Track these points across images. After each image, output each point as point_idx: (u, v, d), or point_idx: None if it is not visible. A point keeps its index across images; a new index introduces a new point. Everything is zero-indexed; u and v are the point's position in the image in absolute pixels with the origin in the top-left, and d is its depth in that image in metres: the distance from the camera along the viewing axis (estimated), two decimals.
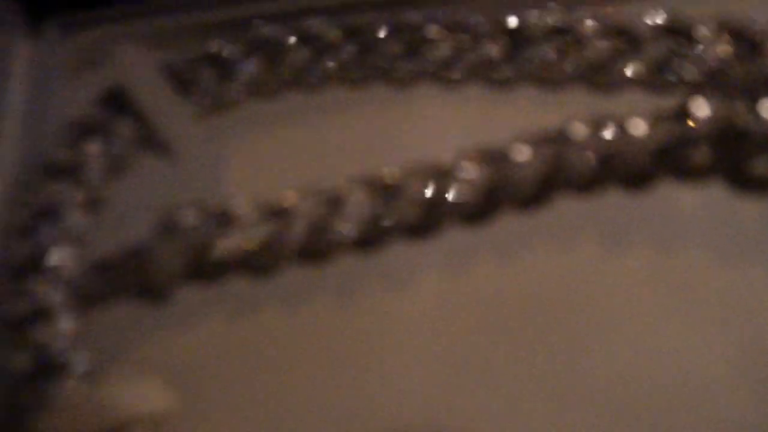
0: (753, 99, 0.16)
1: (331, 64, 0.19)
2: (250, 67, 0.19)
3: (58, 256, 0.17)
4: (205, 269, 0.17)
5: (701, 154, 0.16)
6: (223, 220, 0.16)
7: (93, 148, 0.18)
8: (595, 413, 0.14)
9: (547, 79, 0.18)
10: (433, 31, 0.18)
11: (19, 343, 0.16)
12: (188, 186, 0.18)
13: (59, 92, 0.20)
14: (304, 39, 0.19)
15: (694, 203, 0.16)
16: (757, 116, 0.15)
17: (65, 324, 0.16)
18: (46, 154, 0.18)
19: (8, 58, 0.20)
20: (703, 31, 0.17)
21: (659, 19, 0.17)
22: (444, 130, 0.18)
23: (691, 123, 0.16)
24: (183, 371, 0.16)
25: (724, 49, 0.17)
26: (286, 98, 0.19)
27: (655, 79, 0.17)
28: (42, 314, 0.16)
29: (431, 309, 0.15)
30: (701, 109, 0.16)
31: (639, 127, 0.16)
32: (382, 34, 0.19)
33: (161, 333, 0.16)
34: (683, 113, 0.16)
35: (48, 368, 0.15)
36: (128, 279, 0.17)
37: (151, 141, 0.19)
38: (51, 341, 0.16)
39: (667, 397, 0.14)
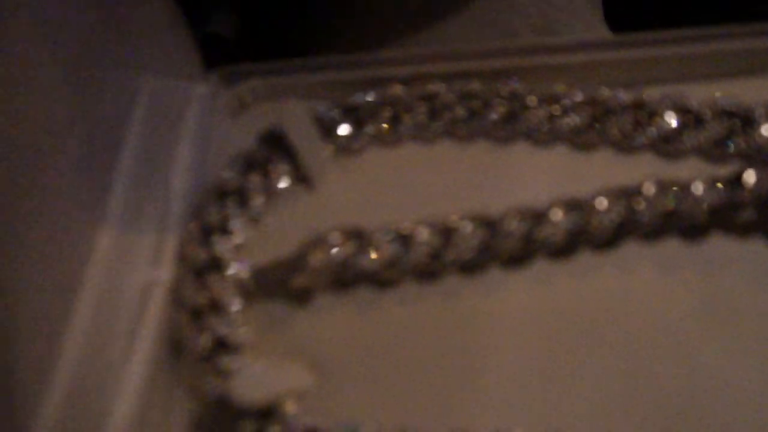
0: None
1: (443, 123, 0.23)
2: (381, 119, 0.24)
3: (228, 261, 0.22)
4: (343, 280, 0.21)
5: (748, 215, 0.20)
6: (359, 240, 0.21)
7: (255, 177, 0.23)
8: (647, 410, 0.18)
9: (623, 146, 0.22)
10: (531, 100, 0.23)
11: (200, 327, 0.21)
12: (327, 213, 0.22)
13: (221, 129, 0.25)
14: (424, 99, 0.23)
15: (739, 255, 0.20)
16: None
17: (234, 314, 0.21)
18: (218, 179, 0.23)
19: (186, 98, 0.25)
20: (757, 113, 0.21)
21: (720, 102, 0.21)
22: (535, 181, 0.22)
23: (742, 189, 0.20)
24: (321, 357, 0.20)
25: None
26: (407, 147, 0.24)
27: (713, 151, 0.21)
28: (217, 306, 0.21)
29: (521, 317, 0.20)
30: (751, 177, 0.20)
31: (698, 189, 0.20)
32: (489, 100, 0.23)
33: (306, 326, 0.21)
34: (736, 180, 0.20)
35: (221, 347, 0.20)
36: (283, 281, 0.21)
37: (298, 174, 0.23)
38: (223, 327, 0.20)
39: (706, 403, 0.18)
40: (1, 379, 0.16)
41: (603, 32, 0.28)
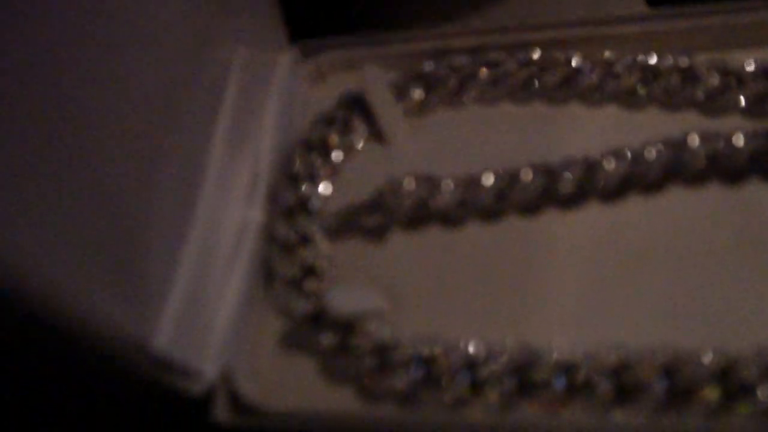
0: None
1: (504, 87, 0.26)
2: (448, 85, 0.26)
3: (314, 203, 0.25)
4: (415, 219, 0.24)
5: None
6: (430, 183, 0.23)
7: (336, 134, 0.26)
8: (692, 323, 0.20)
9: (670, 104, 0.24)
10: (583, 64, 0.25)
11: (290, 259, 0.24)
12: (401, 164, 0.25)
13: (303, 95, 0.28)
14: (490, 66, 0.26)
15: None
16: None
17: (321, 247, 0.24)
18: (304, 134, 0.26)
19: (273, 66, 0.28)
20: None
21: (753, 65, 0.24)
22: (589, 137, 0.25)
23: None
24: (396, 286, 0.23)
25: None
26: (472, 110, 0.26)
27: (753, 108, 0.24)
28: (305, 240, 0.24)
29: (579, 249, 0.22)
30: None
31: (739, 140, 0.22)
32: (545, 66, 0.26)
33: (382, 260, 0.24)
34: None
35: (309, 274, 0.23)
36: (364, 221, 0.24)
37: (375, 132, 0.26)
38: (312, 258, 0.23)
39: None
40: (133, 286, 0.19)
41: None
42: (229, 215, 0.24)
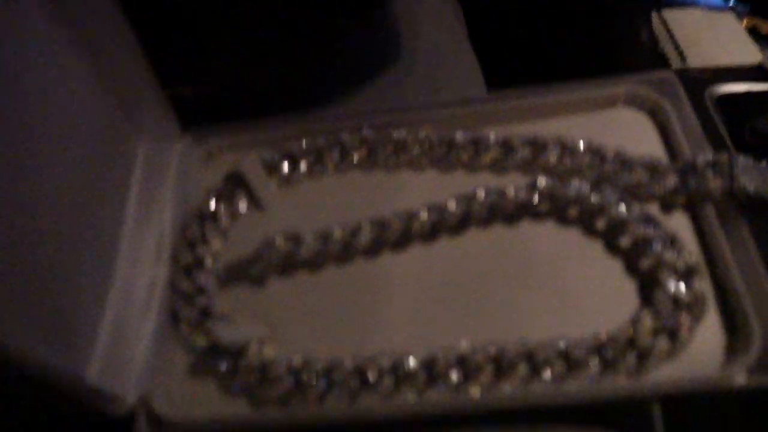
0: None
1: (352, 161, 0.34)
2: (309, 161, 0.34)
3: (207, 261, 0.32)
4: (289, 269, 0.31)
5: (544, 207, 0.31)
6: (294, 240, 0.31)
7: (223, 204, 0.33)
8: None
9: (470, 168, 0.33)
10: (412, 142, 0.34)
11: (190, 305, 0.30)
12: (274, 225, 0.33)
13: (196, 174, 0.35)
14: (338, 145, 0.34)
15: (531, 229, 0.31)
16: None
17: (214, 294, 0.31)
18: (198, 207, 0.33)
19: (170, 154, 0.35)
20: (550, 143, 0.32)
21: (521, 137, 0.33)
22: (414, 195, 0.33)
23: (537, 191, 0.30)
24: (274, 318, 0.30)
25: None
26: (329, 179, 0.34)
27: (524, 168, 0.33)
28: (201, 290, 0.31)
29: (405, 279, 0.30)
30: (542, 182, 0.31)
31: (511, 192, 0.31)
32: (385, 151, 0.34)
33: (263, 300, 0.31)
34: (533, 185, 0.31)
35: (206, 316, 0.30)
36: (248, 272, 0.31)
37: (253, 201, 0.34)
38: (207, 304, 0.30)
39: None
40: (66, 331, 0.26)
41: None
42: (141, 272, 0.31)
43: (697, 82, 0.51)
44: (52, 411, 0.26)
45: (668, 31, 0.54)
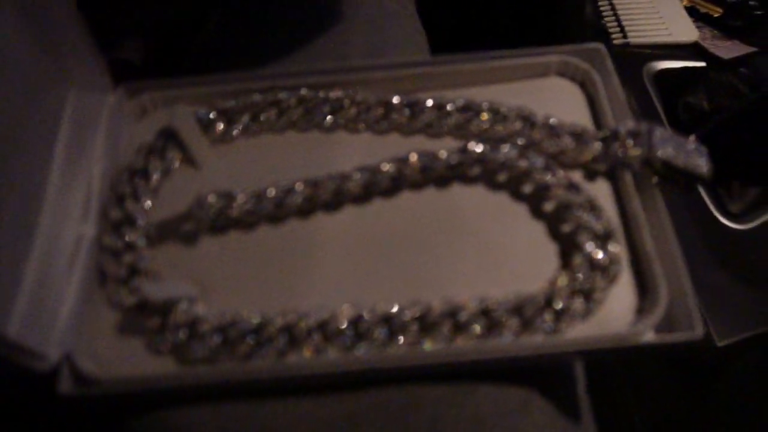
0: None
1: (288, 120, 0.34)
2: (244, 119, 0.34)
3: (137, 217, 0.31)
4: (221, 227, 0.31)
5: (474, 170, 0.31)
6: (226, 199, 0.31)
7: (155, 160, 0.33)
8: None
9: (404, 131, 0.33)
10: (346, 102, 0.34)
11: (118, 263, 0.30)
12: (207, 183, 0.32)
13: (128, 129, 0.35)
14: (275, 104, 0.34)
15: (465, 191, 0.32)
16: None
17: (143, 252, 0.30)
18: (129, 163, 0.32)
19: (100, 106, 0.34)
20: (483, 106, 0.33)
21: (457, 100, 0.33)
22: (348, 156, 0.33)
23: (468, 153, 0.31)
24: (203, 277, 0.30)
25: None
26: (263, 138, 0.34)
27: (460, 132, 0.33)
28: (130, 247, 0.30)
29: (336, 237, 0.31)
30: (475, 147, 0.31)
31: (443, 154, 0.31)
32: (318, 103, 0.34)
33: (193, 259, 0.31)
34: (464, 149, 0.31)
35: (134, 274, 0.30)
36: (178, 230, 0.31)
37: (186, 158, 0.33)
38: (137, 261, 0.30)
39: None
40: None
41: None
42: (67, 228, 0.30)
43: (636, 57, 0.53)
44: None
45: (611, 6, 0.55)
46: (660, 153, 0.29)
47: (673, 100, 0.49)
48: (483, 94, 0.34)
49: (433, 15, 0.49)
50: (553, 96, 0.34)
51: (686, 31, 0.52)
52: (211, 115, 0.34)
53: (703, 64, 0.50)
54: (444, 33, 0.50)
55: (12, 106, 0.28)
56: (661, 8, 0.55)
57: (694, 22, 0.53)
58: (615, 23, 0.54)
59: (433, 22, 0.48)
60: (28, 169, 0.29)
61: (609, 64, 0.35)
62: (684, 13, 0.54)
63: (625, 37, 0.52)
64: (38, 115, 0.30)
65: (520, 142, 0.32)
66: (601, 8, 0.55)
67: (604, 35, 0.53)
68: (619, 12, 0.54)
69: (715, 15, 0.54)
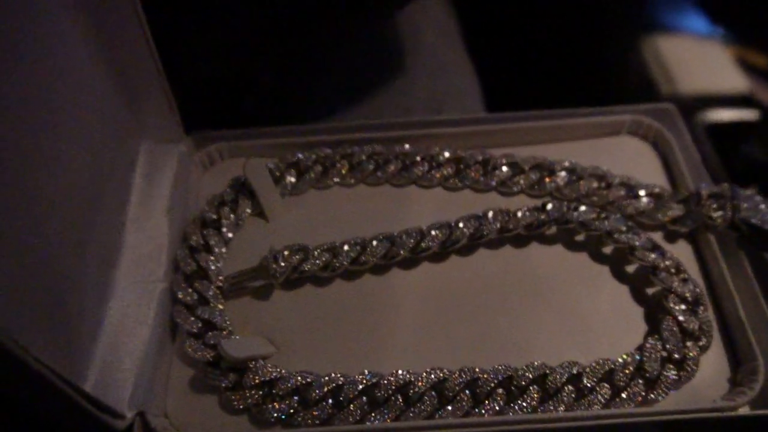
0: None
1: (360, 174, 0.34)
2: (315, 172, 0.34)
3: (209, 270, 0.31)
4: (291, 281, 0.31)
5: (551, 229, 0.31)
6: (301, 253, 0.30)
7: (226, 212, 0.32)
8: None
9: (477, 188, 0.33)
10: (416, 157, 0.33)
11: (191, 317, 0.29)
12: (278, 236, 0.32)
13: (197, 179, 0.34)
14: (346, 157, 0.34)
15: (544, 250, 0.31)
16: None
17: (217, 306, 0.30)
18: (200, 214, 0.32)
19: (171, 157, 0.34)
20: (557, 166, 0.33)
21: (530, 159, 0.33)
22: (421, 212, 0.33)
23: (545, 212, 0.31)
24: (279, 333, 0.29)
25: None
26: (333, 191, 0.34)
27: (534, 190, 0.33)
28: (204, 300, 0.30)
29: (412, 297, 0.30)
30: (549, 206, 0.31)
31: (519, 213, 0.31)
32: (389, 157, 0.34)
33: (268, 314, 0.30)
34: (542, 208, 0.31)
35: (208, 328, 0.29)
36: (251, 284, 0.30)
37: (257, 210, 0.33)
38: (209, 315, 0.29)
39: None
40: (66, 339, 0.24)
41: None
42: (140, 282, 0.30)
43: (688, 108, 0.52)
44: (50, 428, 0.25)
45: (658, 57, 0.55)
46: (746, 215, 0.29)
47: (727, 151, 0.49)
48: (553, 152, 0.34)
49: (485, 68, 0.49)
50: (624, 155, 0.34)
51: (735, 80, 0.52)
52: (282, 167, 0.34)
53: (755, 113, 0.50)
54: (493, 86, 0.50)
55: (91, 154, 0.28)
56: (708, 59, 0.55)
57: (742, 72, 0.53)
58: (662, 74, 0.54)
59: (485, 75, 0.48)
60: (106, 216, 0.29)
61: (680, 122, 0.34)
62: (730, 61, 0.54)
63: (672, 87, 0.52)
64: (114, 167, 0.30)
65: (596, 201, 0.31)
66: (647, 60, 0.55)
67: (650, 87, 0.53)
68: (666, 62, 0.55)
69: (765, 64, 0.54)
